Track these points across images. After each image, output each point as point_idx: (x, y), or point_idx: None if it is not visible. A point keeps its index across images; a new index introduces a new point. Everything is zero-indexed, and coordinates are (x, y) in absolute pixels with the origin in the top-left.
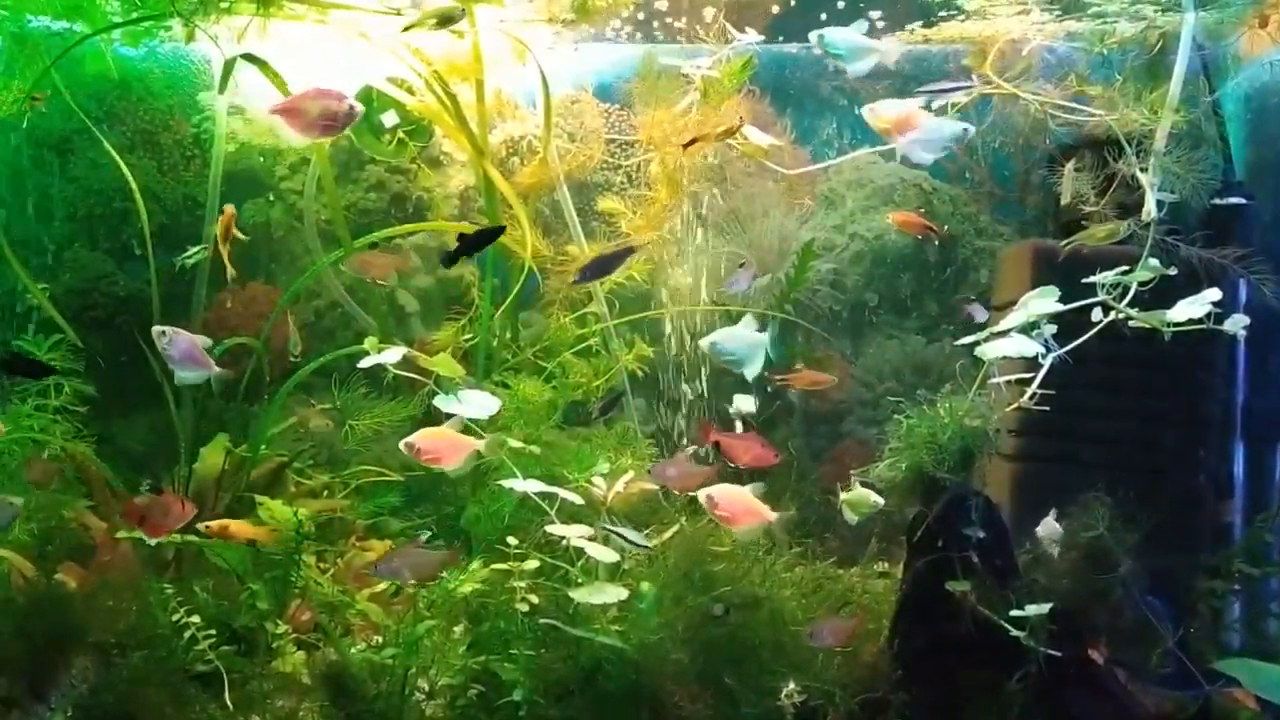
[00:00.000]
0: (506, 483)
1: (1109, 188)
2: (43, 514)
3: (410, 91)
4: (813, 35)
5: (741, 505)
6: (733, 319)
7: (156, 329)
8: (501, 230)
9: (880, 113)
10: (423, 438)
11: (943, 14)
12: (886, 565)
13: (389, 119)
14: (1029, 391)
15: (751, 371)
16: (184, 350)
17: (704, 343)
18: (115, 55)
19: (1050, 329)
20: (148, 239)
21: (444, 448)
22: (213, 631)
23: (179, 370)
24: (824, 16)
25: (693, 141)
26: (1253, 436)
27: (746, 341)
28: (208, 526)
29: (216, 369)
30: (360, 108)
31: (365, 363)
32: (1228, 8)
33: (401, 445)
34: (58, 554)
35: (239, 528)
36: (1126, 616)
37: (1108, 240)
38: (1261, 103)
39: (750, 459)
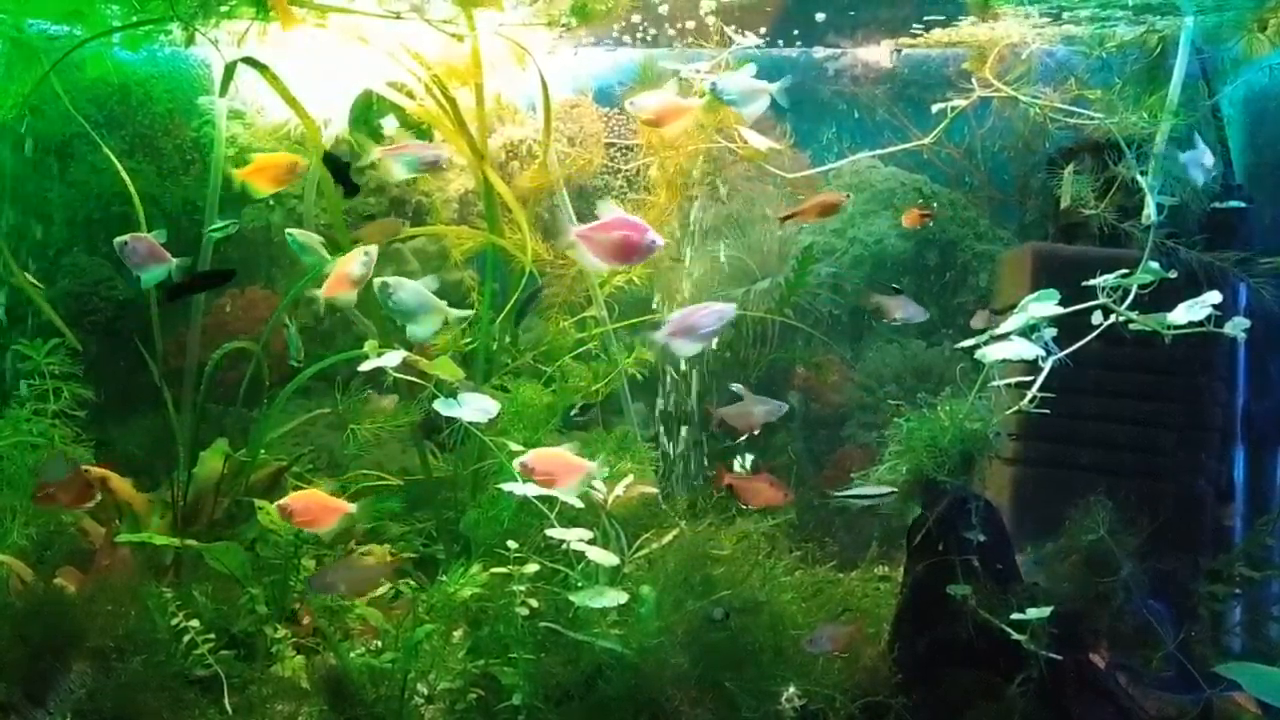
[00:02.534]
0: (506, 486)
1: (1109, 191)
2: (41, 518)
3: (410, 96)
4: (705, 82)
5: (560, 464)
6: (733, 324)
7: (117, 240)
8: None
9: (641, 105)
10: (295, 500)
11: (941, 17)
12: (887, 569)
13: (389, 123)
14: (1029, 395)
15: (419, 332)
16: (145, 252)
17: (377, 282)
18: (115, 60)
19: (1050, 332)
20: None
21: (316, 510)
22: (212, 636)
23: (144, 273)
24: (821, 17)
25: (790, 216)
26: (1253, 440)
27: (422, 299)
28: (88, 470)
29: (174, 260)
30: (660, 241)
31: (365, 366)
32: (1227, 12)
33: (274, 507)
34: (56, 558)
35: (119, 484)
36: (1127, 620)
37: None
38: (1261, 106)
39: (761, 501)
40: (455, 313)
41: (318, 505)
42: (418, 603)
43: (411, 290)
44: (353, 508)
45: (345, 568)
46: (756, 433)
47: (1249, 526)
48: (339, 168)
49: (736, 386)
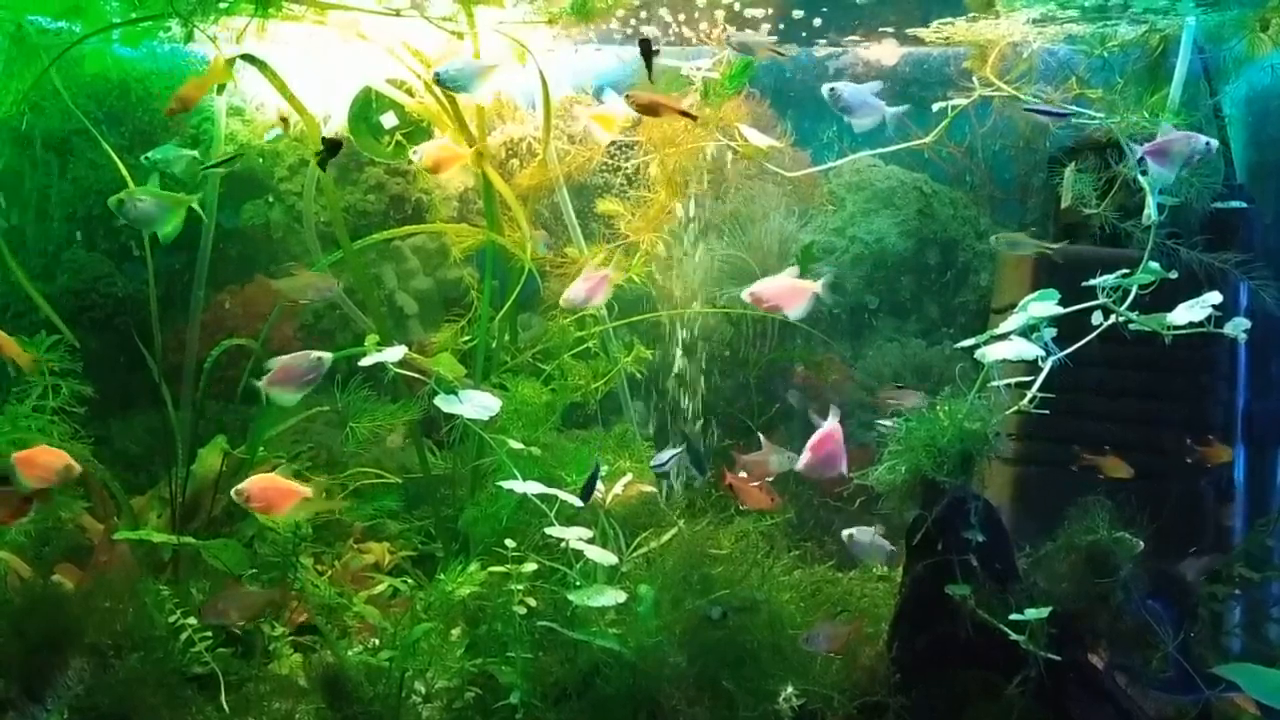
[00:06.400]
0: (505, 484)
1: (1110, 190)
2: (39, 515)
3: (409, 93)
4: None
5: (274, 489)
6: (733, 322)
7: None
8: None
9: (420, 154)
10: (253, 484)
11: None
12: (885, 568)
13: (388, 120)
14: (1029, 395)
15: (162, 228)
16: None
17: (113, 200)
18: (114, 56)
19: (1050, 332)
20: (146, 240)
21: (274, 495)
22: (209, 633)
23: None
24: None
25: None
26: (1253, 440)
27: (162, 204)
28: None
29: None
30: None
31: (366, 361)
32: (1229, 11)
33: (233, 493)
34: (54, 555)
35: None
36: (1126, 620)
37: None
38: (1262, 106)
39: (751, 504)
40: (192, 199)
41: (275, 489)
42: (416, 601)
43: (154, 201)
44: (309, 491)
45: (234, 595)
46: (770, 479)
47: (1249, 527)
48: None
49: (761, 437)
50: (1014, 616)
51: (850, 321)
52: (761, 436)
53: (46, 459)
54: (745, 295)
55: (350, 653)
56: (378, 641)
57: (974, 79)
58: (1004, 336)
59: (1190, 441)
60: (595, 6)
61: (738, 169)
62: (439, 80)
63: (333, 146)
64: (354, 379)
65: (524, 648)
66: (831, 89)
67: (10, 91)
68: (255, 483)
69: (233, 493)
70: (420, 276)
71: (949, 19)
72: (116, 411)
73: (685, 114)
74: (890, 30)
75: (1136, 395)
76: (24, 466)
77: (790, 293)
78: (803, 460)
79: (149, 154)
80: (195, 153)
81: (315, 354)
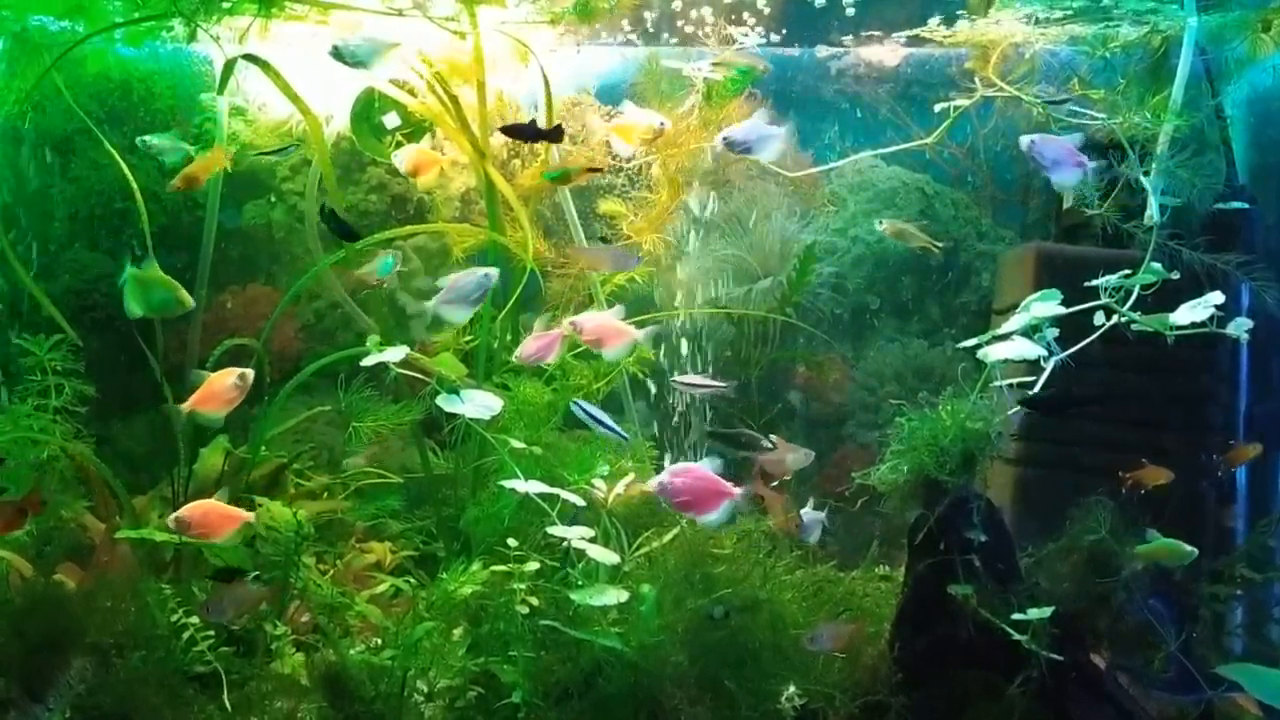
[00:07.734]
0: (507, 483)
1: (1112, 191)
2: (41, 514)
3: (412, 93)
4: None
5: (214, 515)
6: (734, 322)
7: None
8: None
9: (401, 158)
10: (191, 511)
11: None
12: (888, 568)
13: (391, 121)
14: (1030, 395)
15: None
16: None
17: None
18: (117, 56)
19: (1052, 332)
20: (148, 240)
21: (214, 520)
22: (211, 632)
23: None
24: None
25: None
26: (1255, 441)
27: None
28: None
29: None
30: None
31: (367, 361)
32: (1230, 12)
33: (169, 522)
34: (56, 554)
35: None
36: (1128, 621)
37: None
38: (1265, 107)
39: (777, 523)
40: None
41: (215, 515)
42: (418, 600)
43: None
44: (250, 516)
45: (231, 592)
46: (788, 478)
47: (1250, 528)
48: (338, 222)
49: (772, 438)
50: (1016, 617)
51: (852, 322)
52: (776, 438)
53: (218, 384)
54: (566, 323)
55: (352, 652)
56: (380, 641)
57: (976, 80)
58: (1006, 337)
59: (1216, 453)
60: (597, 7)
61: (740, 169)
62: (336, 53)
63: (347, 234)
64: (356, 379)
65: (526, 647)
66: (725, 138)
67: (13, 91)
68: (194, 510)
69: (169, 521)
70: (422, 276)
71: (948, 17)
72: (118, 411)
73: (593, 170)
74: (901, 31)
75: (1138, 396)
76: (205, 402)
77: (611, 333)
78: (656, 481)
79: (145, 137)
80: (191, 148)
81: (483, 270)
